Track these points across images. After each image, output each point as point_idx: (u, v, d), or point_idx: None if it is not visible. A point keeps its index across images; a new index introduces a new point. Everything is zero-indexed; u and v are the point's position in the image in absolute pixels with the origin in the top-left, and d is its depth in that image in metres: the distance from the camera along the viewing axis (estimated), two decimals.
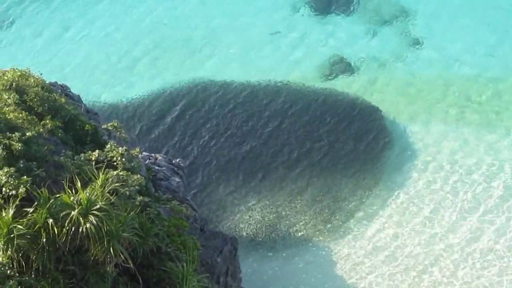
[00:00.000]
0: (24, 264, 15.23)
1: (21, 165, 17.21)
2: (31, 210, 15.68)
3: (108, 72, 49.68)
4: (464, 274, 36.20)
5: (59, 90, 27.42)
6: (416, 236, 38.09)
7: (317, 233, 38.70)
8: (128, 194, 17.71)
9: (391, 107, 45.69)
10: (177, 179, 29.59)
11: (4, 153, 17.35)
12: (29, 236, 15.25)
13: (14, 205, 15.50)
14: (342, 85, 47.29)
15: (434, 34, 50.75)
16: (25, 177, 16.51)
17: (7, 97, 21.14)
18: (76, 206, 15.65)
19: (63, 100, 23.10)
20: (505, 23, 51.12)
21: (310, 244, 38.29)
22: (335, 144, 43.04)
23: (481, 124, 44.13)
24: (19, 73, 22.82)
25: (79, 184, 16.26)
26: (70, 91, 29.95)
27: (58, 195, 16.01)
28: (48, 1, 55.34)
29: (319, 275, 36.82)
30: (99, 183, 16.64)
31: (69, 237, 15.45)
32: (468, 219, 38.70)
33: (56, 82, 29.09)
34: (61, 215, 15.55)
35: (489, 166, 41.42)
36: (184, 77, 48.51)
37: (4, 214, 15.34)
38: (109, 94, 47.62)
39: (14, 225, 15.11)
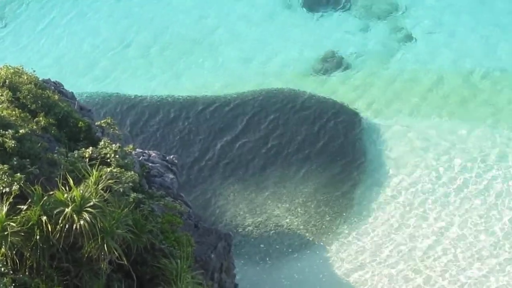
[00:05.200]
0: (18, 261, 15.20)
1: (15, 163, 17.17)
2: (24, 207, 15.66)
3: (103, 70, 49.66)
4: (465, 272, 36.31)
5: (53, 87, 27.40)
6: (413, 232, 38.28)
7: (311, 232, 38.74)
8: (121, 191, 17.69)
9: (383, 102, 45.82)
10: (171, 176, 29.61)
11: None
12: (22, 234, 15.22)
13: (7, 203, 15.47)
14: (334, 81, 47.39)
15: (426, 29, 50.93)
16: (18, 174, 16.47)
17: (0, 94, 21.12)
18: (69, 203, 15.63)
19: (56, 97, 23.09)
20: (498, 17, 51.32)
21: (304, 242, 38.36)
22: (328, 144, 43.07)
23: (473, 119, 44.25)
24: (12, 70, 22.80)
25: (72, 181, 16.25)
26: (63, 88, 29.92)
27: (51, 192, 15.98)
28: None
29: (313, 272, 36.94)
30: (93, 180, 16.62)
31: (63, 234, 15.43)
32: (460, 214, 38.86)
33: (49, 79, 29.07)
34: (55, 212, 15.53)
35: (479, 160, 41.60)
36: (177, 77, 48.67)
37: None
38: (103, 91, 47.55)
39: (8, 223, 15.09)
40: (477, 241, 37.44)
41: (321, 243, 38.03)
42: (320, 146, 42.80)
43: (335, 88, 46.77)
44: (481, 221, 38.35)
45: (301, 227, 38.71)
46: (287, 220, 39.04)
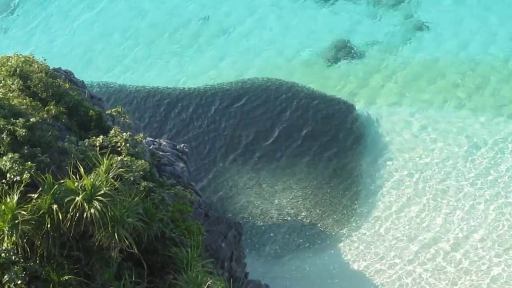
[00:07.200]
0: (29, 250, 15.20)
1: (26, 151, 17.19)
2: (35, 196, 15.65)
3: (113, 59, 49.70)
4: (475, 265, 36.08)
5: (63, 76, 27.45)
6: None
7: (321, 223, 38.64)
8: (132, 179, 17.64)
9: (393, 91, 45.60)
10: (181, 165, 29.64)
11: (9, 139, 17.32)
12: (33, 222, 15.21)
13: (18, 191, 15.48)
14: (346, 70, 47.19)
15: (438, 18, 50.55)
16: (29, 163, 16.46)
17: (11, 83, 21.15)
18: (80, 192, 15.61)
19: (67, 85, 23.10)
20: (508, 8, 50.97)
21: (315, 233, 38.27)
22: (335, 136, 42.97)
23: (482, 109, 44.00)
24: (23, 59, 22.82)
25: (82, 169, 16.24)
26: (74, 77, 29.97)
27: (62, 181, 15.97)
28: None
29: (324, 264, 36.87)
30: (103, 169, 16.58)
31: (74, 223, 15.41)
32: (467, 207, 38.64)
33: (60, 68, 29.12)
34: (66, 200, 15.51)
35: (489, 150, 41.34)
36: (186, 67, 48.65)
37: (8, 200, 15.31)
38: (114, 80, 47.59)
39: (19, 211, 15.09)
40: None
41: (333, 233, 37.93)
42: (328, 138, 42.66)
43: (343, 78, 46.58)
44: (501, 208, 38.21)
45: (312, 217, 38.63)
46: (298, 210, 38.99)
